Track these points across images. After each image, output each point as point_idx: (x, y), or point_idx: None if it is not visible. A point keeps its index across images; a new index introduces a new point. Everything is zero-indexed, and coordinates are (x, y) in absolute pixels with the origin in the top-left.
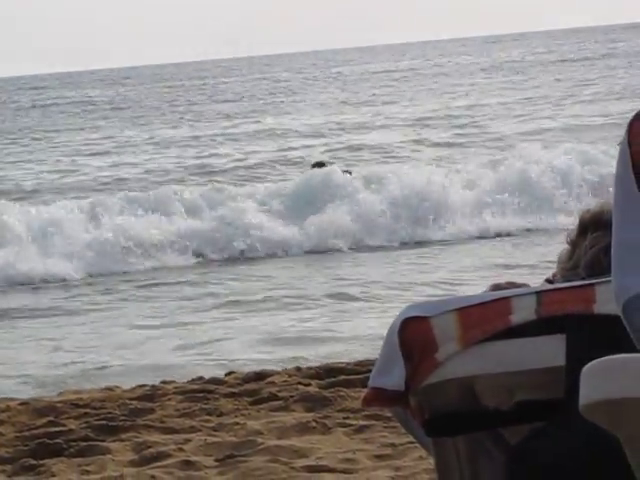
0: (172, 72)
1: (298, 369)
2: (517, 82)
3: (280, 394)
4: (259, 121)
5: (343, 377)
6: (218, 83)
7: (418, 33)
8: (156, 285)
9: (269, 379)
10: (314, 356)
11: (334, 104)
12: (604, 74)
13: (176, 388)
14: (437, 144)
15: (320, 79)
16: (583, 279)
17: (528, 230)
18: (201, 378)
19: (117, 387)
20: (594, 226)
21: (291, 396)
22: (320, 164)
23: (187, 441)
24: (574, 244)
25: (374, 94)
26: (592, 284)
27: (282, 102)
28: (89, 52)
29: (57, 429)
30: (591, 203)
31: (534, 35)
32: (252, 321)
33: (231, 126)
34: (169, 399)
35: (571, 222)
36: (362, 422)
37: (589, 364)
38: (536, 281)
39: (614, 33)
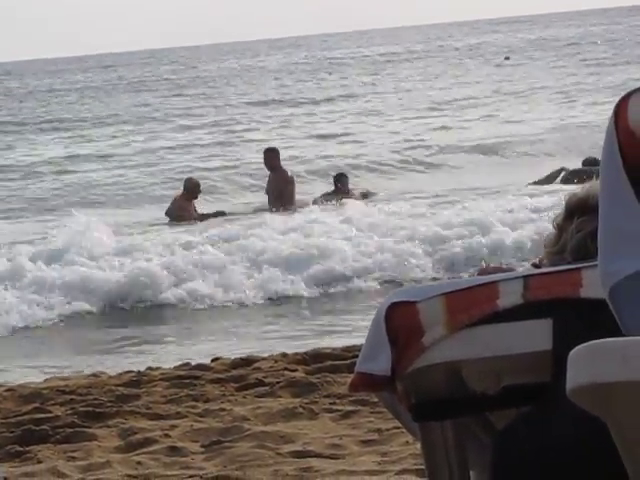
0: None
1: (284, 355)
2: None
3: (267, 380)
4: None
5: (330, 363)
6: None
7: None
8: None
9: (255, 365)
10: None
11: None
12: None
13: (162, 374)
14: None
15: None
16: (569, 263)
17: None
18: (187, 364)
19: (103, 373)
20: (580, 210)
21: (278, 382)
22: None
23: (173, 427)
24: (561, 228)
25: None
26: (579, 268)
27: None
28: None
29: (43, 415)
30: (578, 187)
31: None
32: None
33: None
34: (155, 385)
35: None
36: (349, 407)
37: (576, 348)
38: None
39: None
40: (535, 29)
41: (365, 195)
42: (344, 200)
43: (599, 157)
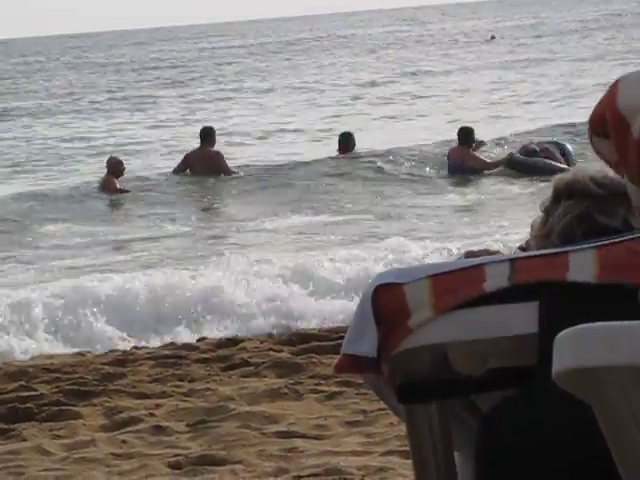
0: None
1: (270, 335)
2: None
3: (252, 360)
4: None
5: (315, 343)
6: None
7: None
8: None
9: (241, 345)
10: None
11: None
12: None
13: (148, 353)
14: None
15: None
16: (557, 247)
17: None
18: (173, 344)
19: (89, 352)
20: (567, 194)
21: (263, 362)
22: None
23: (158, 406)
24: (547, 212)
25: None
26: (565, 252)
27: None
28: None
29: (28, 393)
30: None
31: None
32: None
33: None
34: (141, 364)
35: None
36: (334, 389)
37: (562, 332)
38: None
39: None
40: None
41: None
42: None
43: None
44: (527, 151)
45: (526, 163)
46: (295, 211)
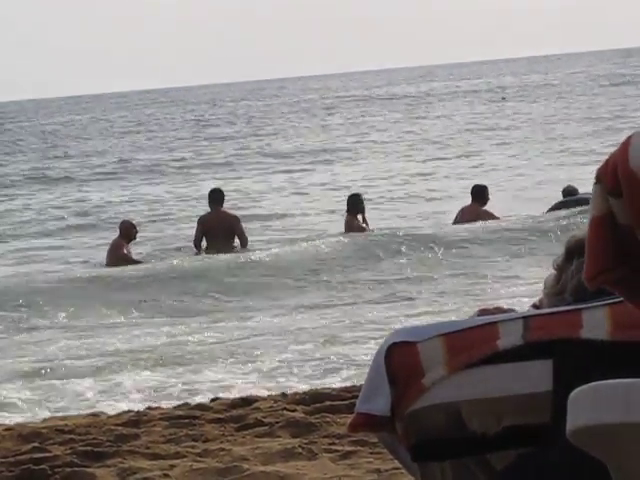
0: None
1: (284, 395)
2: None
3: (266, 420)
4: None
5: (329, 403)
6: None
7: None
8: None
9: (255, 405)
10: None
11: None
12: None
13: (162, 414)
14: None
15: None
16: (569, 304)
17: None
18: (187, 404)
19: (102, 413)
20: (580, 251)
21: (277, 422)
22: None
23: (173, 467)
24: (560, 269)
25: None
26: (578, 309)
27: None
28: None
29: (42, 455)
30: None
31: None
32: None
33: None
34: (154, 425)
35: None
36: (348, 448)
37: (577, 389)
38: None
39: None
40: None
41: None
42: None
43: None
44: (568, 191)
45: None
46: None
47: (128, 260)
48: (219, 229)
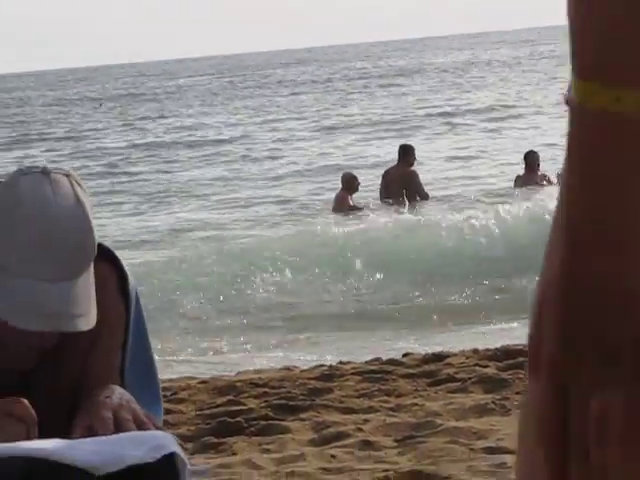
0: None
1: (475, 351)
2: None
3: (458, 375)
4: None
5: (521, 359)
6: None
7: None
8: None
9: (447, 360)
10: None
11: None
12: None
13: (354, 369)
14: None
15: None
16: None
17: None
18: (378, 359)
19: (295, 367)
20: None
21: (469, 377)
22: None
23: (366, 421)
24: None
25: None
26: None
27: None
28: None
29: (237, 408)
30: None
31: None
32: None
33: None
34: (347, 379)
35: None
36: None
37: None
38: None
39: None
40: None
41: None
42: None
43: None
44: None
45: None
46: None
47: (352, 208)
48: (399, 182)
